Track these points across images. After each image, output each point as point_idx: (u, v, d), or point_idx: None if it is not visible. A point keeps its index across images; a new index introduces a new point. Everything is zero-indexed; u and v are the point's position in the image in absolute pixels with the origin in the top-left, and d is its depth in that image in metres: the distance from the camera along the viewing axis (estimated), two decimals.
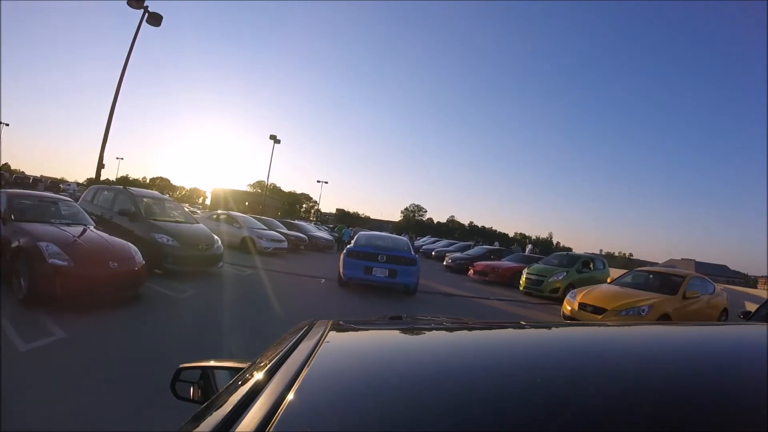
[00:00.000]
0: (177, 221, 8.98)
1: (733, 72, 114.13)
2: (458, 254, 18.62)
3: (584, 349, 0.84)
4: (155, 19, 13.76)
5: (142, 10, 13.56)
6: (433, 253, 24.61)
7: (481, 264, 15.04)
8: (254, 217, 17.51)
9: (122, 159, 71.59)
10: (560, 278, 12.28)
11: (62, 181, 64.54)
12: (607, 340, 0.93)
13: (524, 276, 12.83)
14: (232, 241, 14.85)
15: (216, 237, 9.05)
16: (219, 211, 17.48)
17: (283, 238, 15.35)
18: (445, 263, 17.98)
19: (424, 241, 33.32)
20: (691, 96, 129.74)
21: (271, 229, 16.52)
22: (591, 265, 13.56)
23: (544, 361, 0.75)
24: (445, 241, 29.25)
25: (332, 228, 33.63)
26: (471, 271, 15.13)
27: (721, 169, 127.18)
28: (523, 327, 1.10)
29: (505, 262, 15.50)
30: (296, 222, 21.76)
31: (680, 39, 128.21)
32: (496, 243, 29.75)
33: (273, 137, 28.96)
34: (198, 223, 9.61)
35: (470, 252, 18.80)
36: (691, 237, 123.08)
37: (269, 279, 9.32)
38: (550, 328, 1.19)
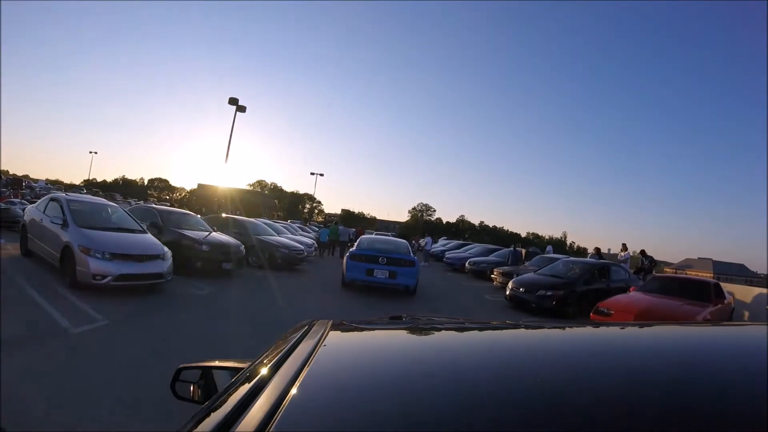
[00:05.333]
0: None
1: (751, 71, 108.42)
2: (532, 276, 9.78)
3: (584, 349, 0.84)
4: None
5: None
6: (467, 265, 15.82)
7: (633, 305, 6.32)
8: (135, 208, 9.09)
9: (96, 153, 63.76)
10: None
11: (26, 178, 58.63)
12: (607, 340, 0.93)
13: None
14: (53, 255, 6.50)
15: None
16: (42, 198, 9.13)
17: (161, 250, 6.81)
18: (510, 293, 9.22)
19: (445, 246, 24.41)
20: (706, 96, 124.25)
21: (176, 229, 8.11)
22: None
23: (545, 361, 0.74)
24: (478, 246, 20.38)
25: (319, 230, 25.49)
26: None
27: (739, 168, 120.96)
28: (523, 327, 1.10)
29: (673, 302, 6.82)
30: (248, 220, 13.12)
31: (696, 41, 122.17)
32: (549, 248, 20.91)
33: (234, 102, 20.52)
34: None
35: (556, 271, 9.99)
36: (708, 236, 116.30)
37: None
38: (550, 328, 1.08)
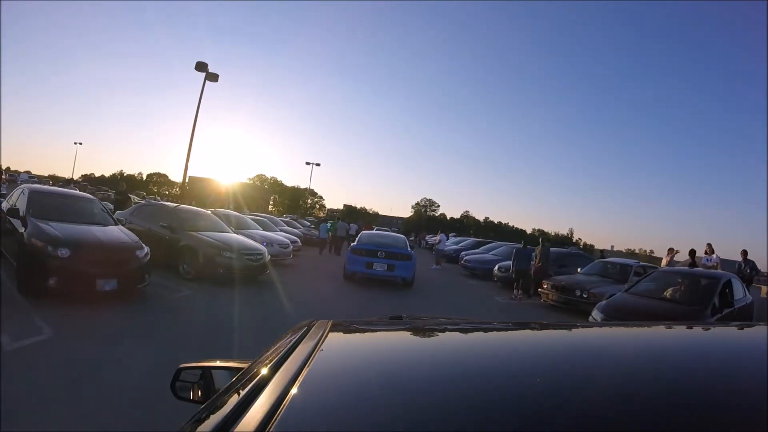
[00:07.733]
0: None
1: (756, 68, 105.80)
2: (632, 300, 5.87)
3: (585, 349, 0.82)
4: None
5: None
6: (496, 272, 12.09)
7: None
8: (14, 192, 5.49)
9: (80, 144, 60.42)
10: None
11: (27, 174, 56.38)
12: (610, 340, 0.92)
13: None
14: None
15: None
16: None
17: None
18: None
19: (459, 244, 20.46)
20: (708, 93, 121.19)
21: (38, 221, 4.61)
22: None
23: (545, 361, 0.73)
24: (503, 246, 16.50)
25: (312, 225, 22.45)
26: None
27: (740, 165, 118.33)
28: (523, 327, 1.09)
29: None
30: (187, 209, 9.38)
31: (702, 38, 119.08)
32: (603, 253, 17.06)
33: (203, 67, 16.80)
34: None
35: (650, 289, 6.29)
36: (710, 233, 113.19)
37: None
38: (551, 328, 1.09)
